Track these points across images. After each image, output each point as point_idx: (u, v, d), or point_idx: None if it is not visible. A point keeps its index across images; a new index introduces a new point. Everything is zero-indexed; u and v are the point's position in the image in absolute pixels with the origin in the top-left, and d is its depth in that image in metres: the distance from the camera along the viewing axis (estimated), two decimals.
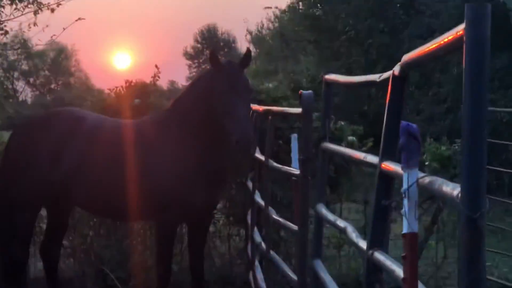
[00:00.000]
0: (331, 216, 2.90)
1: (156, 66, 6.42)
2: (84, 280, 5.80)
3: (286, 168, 3.66)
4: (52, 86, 42.12)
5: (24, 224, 4.57)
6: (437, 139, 6.97)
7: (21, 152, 4.57)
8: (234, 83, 3.96)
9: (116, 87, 6.26)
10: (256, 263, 4.63)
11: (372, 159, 2.34)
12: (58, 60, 42.05)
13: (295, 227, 3.28)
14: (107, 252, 5.84)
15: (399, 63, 1.95)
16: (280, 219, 3.68)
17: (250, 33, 33.51)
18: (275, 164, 3.82)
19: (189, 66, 50.18)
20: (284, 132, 5.41)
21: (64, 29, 7.16)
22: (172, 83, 38.17)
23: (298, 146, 3.91)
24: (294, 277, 3.36)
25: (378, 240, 2.07)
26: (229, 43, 49.35)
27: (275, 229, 5.17)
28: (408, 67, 1.93)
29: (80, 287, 5.84)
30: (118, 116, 5.32)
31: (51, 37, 7.41)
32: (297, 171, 3.30)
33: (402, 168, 1.66)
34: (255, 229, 4.64)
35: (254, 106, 4.54)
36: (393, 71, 2.01)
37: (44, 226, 5.36)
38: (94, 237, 6.03)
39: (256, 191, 4.57)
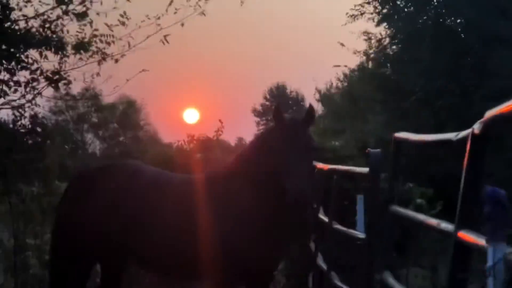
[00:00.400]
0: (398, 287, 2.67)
1: (220, 120, 6.45)
2: None
3: (350, 231, 3.46)
4: (121, 139, 43.48)
5: (77, 280, 4.44)
6: None
7: (77, 206, 4.47)
8: (293, 140, 3.86)
9: (179, 141, 6.35)
10: None
11: (447, 226, 2.14)
12: (127, 113, 43.47)
13: (362, 236, 3.05)
14: None
15: (480, 121, 1.78)
16: (344, 287, 3.44)
17: (319, 91, 33.68)
18: (339, 226, 3.62)
19: (257, 123, 50.98)
20: (350, 192, 5.24)
21: (127, 80, 7.05)
22: (240, 139, 38.72)
23: (364, 208, 3.78)
24: None
25: None
26: (297, 101, 50.05)
27: None
28: (491, 124, 1.75)
29: None
30: (181, 170, 5.31)
31: (114, 88, 7.28)
32: (362, 235, 3.11)
33: (487, 241, 1.44)
34: None
35: (319, 165, 4.43)
36: (473, 129, 1.83)
37: None
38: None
39: (319, 254, 4.35)
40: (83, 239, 4.36)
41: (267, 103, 50.91)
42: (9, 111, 6.29)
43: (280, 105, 4.45)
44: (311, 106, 4.31)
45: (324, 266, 4.06)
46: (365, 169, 3.08)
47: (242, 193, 4.14)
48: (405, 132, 2.95)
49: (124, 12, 6.51)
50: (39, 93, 6.45)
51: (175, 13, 6.68)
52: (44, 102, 6.73)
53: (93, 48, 6.48)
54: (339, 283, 3.58)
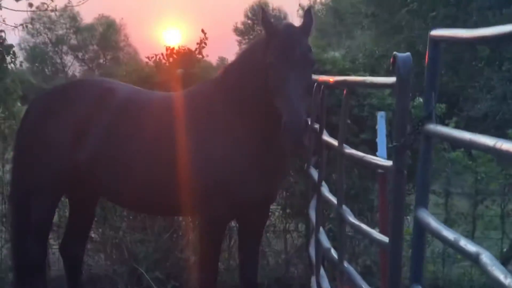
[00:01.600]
0: (446, 232, 1.99)
1: (203, 31, 5.52)
2: (115, 280, 5.00)
3: (370, 157, 2.75)
4: (101, 61, 42.31)
5: (41, 214, 3.83)
6: None
7: (38, 129, 3.84)
8: (290, 52, 3.21)
9: (156, 55, 5.47)
10: (322, 271, 3.74)
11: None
12: (107, 34, 42.07)
13: (385, 239, 2.39)
14: (142, 247, 5.03)
15: None
16: (362, 226, 2.77)
17: (302, 8, 32.17)
18: (354, 151, 2.91)
19: (239, 42, 49.34)
20: (352, 109, 4.52)
21: None
22: (222, 59, 37.50)
23: (387, 128, 3.08)
24: None
25: None
26: (280, 19, 48.45)
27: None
28: None
29: (109, 284, 5.04)
30: (158, 88, 4.65)
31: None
32: (387, 162, 2.43)
33: None
34: (321, 229, 3.73)
35: (321, 78, 3.67)
36: None
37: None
38: (127, 230, 5.22)
39: (323, 182, 3.68)
40: (48, 169, 3.76)
41: (249, 21, 49.07)
42: None
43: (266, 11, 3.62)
44: (308, 11, 3.55)
45: (330, 197, 3.38)
46: (391, 79, 2.32)
47: (229, 115, 3.55)
48: (446, 30, 2.15)
49: None
50: None
51: None
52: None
53: None
54: (355, 222, 2.88)
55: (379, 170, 2.95)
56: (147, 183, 3.64)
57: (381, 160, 2.65)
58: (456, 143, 3.02)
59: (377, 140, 3.20)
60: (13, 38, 5.57)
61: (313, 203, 3.94)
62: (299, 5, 32.15)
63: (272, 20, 3.55)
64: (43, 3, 5.86)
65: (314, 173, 3.85)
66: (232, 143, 3.52)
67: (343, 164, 3.24)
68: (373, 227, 3.08)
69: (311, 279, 4.04)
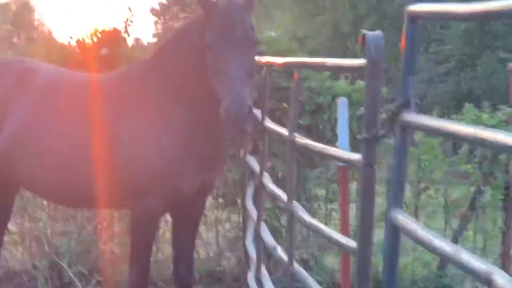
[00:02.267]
0: (421, 231, 1.73)
1: (129, 8, 5.26)
2: (34, 275, 4.76)
3: (332, 149, 2.41)
4: (14, 40, 39.85)
5: None
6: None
7: None
8: (231, 32, 2.99)
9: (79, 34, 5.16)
10: (263, 269, 3.45)
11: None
12: (20, 13, 39.87)
13: (352, 244, 2.08)
14: (64, 240, 4.82)
15: None
16: (322, 227, 2.45)
17: None
18: (309, 141, 2.57)
19: (155, 23, 47.81)
20: (286, 92, 4.26)
21: None
22: (137, 40, 36.57)
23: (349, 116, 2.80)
24: None
25: None
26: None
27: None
28: None
29: (29, 284, 4.80)
30: (81, 70, 4.31)
31: None
32: (353, 155, 2.12)
33: None
34: (263, 224, 3.43)
35: (265, 59, 3.38)
36: None
37: None
38: (48, 222, 4.95)
39: (264, 172, 3.36)
40: None
41: (165, 2, 47.59)
42: None
43: None
44: None
45: (274, 189, 3.09)
46: (360, 61, 2.01)
47: (163, 101, 3.31)
48: (425, 4, 1.86)
49: None
50: None
51: None
52: None
53: None
54: (311, 221, 2.58)
55: (340, 164, 2.67)
56: (68, 173, 3.38)
57: (345, 152, 2.36)
58: (437, 134, 2.79)
59: (338, 129, 2.93)
60: None
61: (250, 193, 3.66)
62: None
63: None
64: None
65: (252, 161, 3.56)
66: (166, 131, 3.27)
67: (293, 154, 2.94)
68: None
69: (248, 274, 3.84)
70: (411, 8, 1.94)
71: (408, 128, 1.94)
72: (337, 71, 3.89)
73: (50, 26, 42.70)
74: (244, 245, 4.13)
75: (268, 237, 3.34)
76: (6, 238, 4.37)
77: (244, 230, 4.40)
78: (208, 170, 3.38)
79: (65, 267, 4.57)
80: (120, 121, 3.32)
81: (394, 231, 1.97)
